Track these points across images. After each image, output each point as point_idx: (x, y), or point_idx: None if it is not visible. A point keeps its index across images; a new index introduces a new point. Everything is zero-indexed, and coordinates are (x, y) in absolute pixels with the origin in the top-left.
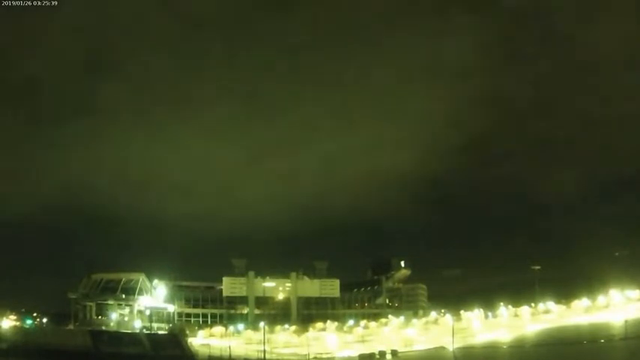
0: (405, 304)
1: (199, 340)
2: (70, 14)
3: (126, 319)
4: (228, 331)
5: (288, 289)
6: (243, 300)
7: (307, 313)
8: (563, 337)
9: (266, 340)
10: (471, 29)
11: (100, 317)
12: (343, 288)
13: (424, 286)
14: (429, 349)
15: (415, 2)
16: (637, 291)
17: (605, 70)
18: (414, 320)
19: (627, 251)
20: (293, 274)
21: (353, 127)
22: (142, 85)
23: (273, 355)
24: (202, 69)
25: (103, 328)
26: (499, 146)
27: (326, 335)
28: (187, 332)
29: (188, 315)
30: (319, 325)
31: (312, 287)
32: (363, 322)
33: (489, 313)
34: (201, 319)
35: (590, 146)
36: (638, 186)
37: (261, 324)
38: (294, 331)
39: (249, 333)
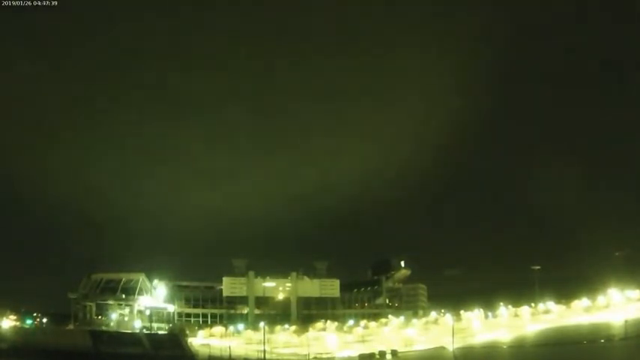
0: (405, 304)
1: (199, 340)
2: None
3: (126, 319)
4: (228, 331)
5: (288, 289)
6: (243, 300)
7: (307, 313)
8: (563, 337)
9: (266, 340)
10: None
11: (100, 317)
12: (343, 288)
13: (424, 286)
14: (429, 349)
15: None
16: (637, 291)
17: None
18: (414, 320)
19: (627, 251)
20: (293, 274)
21: (353, 127)
22: (140, 85)
23: (273, 355)
24: (202, 70)
25: (103, 328)
26: (499, 147)
27: (326, 335)
28: (187, 332)
29: (188, 315)
30: (319, 325)
31: (312, 287)
32: (363, 322)
33: (489, 313)
34: (201, 319)
35: (592, 145)
36: (638, 185)
37: (261, 324)
38: (294, 331)
39: (249, 333)
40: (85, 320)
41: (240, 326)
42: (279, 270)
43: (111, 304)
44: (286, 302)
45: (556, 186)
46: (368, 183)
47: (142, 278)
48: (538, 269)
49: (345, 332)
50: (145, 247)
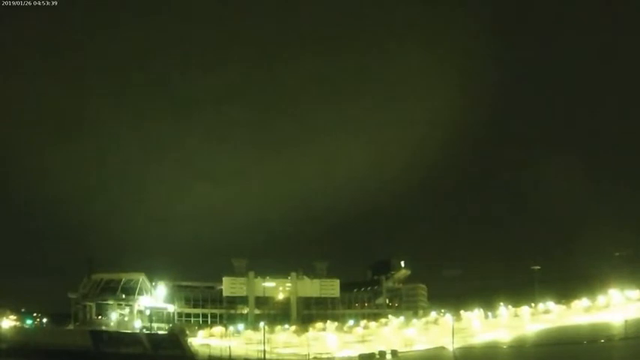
0: (405, 304)
1: (199, 340)
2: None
3: (126, 319)
4: (228, 331)
5: (288, 289)
6: (243, 300)
7: (307, 313)
8: (563, 337)
9: (266, 340)
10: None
11: (100, 317)
12: (343, 288)
13: (424, 286)
14: (429, 349)
15: None
16: (637, 291)
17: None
18: (414, 320)
19: (627, 251)
20: (293, 274)
21: (353, 127)
22: (140, 85)
23: (273, 355)
24: (201, 69)
25: (103, 328)
26: (499, 147)
27: (326, 335)
28: (187, 332)
29: (188, 315)
30: (319, 325)
31: (312, 287)
32: (363, 322)
33: (489, 313)
34: (201, 319)
35: (592, 145)
36: (638, 185)
37: (261, 324)
38: (294, 331)
39: (249, 333)
40: (85, 320)
41: (240, 326)
42: (279, 270)
43: (111, 304)
44: (286, 302)
45: (556, 186)
46: (368, 183)
47: (142, 278)
48: (538, 269)
49: (345, 332)
50: (145, 247)
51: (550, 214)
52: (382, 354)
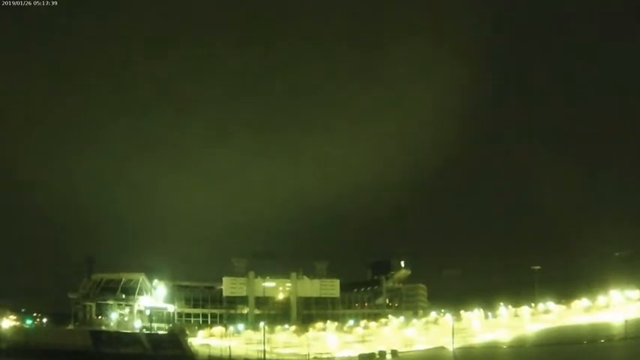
0: (405, 304)
1: (199, 340)
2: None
3: (126, 319)
4: (228, 331)
5: (288, 289)
6: (243, 300)
7: (307, 313)
8: (563, 337)
9: (266, 340)
10: None
11: (100, 317)
12: (343, 288)
13: (424, 286)
14: (429, 349)
15: None
16: (637, 291)
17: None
18: (414, 320)
19: (627, 251)
20: (293, 274)
21: (353, 127)
22: (140, 86)
23: (273, 355)
24: (201, 69)
25: (103, 328)
26: (499, 147)
27: (326, 335)
28: (187, 332)
29: (188, 315)
30: (319, 325)
31: (312, 287)
32: (363, 322)
33: (489, 313)
34: (201, 319)
35: (591, 145)
36: (638, 185)
37: (261, 324)
38: (294, 331)
39: (249, 333)
40: (85, 320)
41: (240, 326)
42: (279, 270)
43: (111, 304)
44: (286, 302)
45: (556, 186)
46: (368, 183)
47: (142, 278)
48: (538, 269)
49: (345, 332)
50: (145, 247)
51: (550, 214)
52: (382, 354)
